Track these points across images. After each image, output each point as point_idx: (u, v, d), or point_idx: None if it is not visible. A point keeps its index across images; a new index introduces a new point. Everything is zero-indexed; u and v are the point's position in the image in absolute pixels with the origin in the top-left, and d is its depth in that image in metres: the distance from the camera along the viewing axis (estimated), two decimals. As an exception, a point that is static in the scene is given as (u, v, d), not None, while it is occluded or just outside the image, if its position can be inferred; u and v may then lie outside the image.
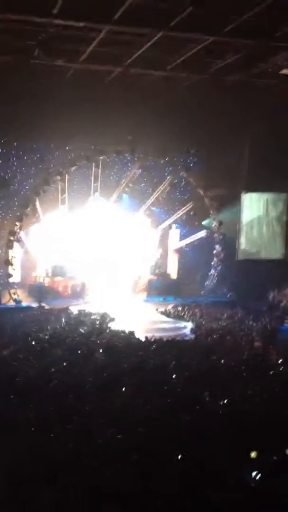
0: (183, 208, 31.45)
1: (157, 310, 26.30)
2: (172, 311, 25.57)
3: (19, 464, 8.11)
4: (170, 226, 32.73)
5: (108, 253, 29.23)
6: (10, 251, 26.65)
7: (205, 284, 30.12)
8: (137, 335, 19.33)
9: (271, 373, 14.18)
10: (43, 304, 25.75)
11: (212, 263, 29.75)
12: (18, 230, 26.81)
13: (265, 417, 10.55)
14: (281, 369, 14.74)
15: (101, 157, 28.09)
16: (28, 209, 27.02)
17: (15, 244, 27.03)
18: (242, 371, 14.14)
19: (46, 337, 17.52)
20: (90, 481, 7.70)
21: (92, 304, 26.12)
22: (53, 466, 8.19)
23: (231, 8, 17.09)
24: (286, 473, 8.40)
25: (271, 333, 20.29)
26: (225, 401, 11.45)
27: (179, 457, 8.53)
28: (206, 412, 10.72)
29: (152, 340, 18.21)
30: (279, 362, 15.64)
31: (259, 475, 8.18)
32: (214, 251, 29.65)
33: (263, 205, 30.34)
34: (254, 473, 8.20)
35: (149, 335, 19.63)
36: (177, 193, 32.71)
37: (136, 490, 7.64)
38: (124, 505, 7.28)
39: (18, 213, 26.89)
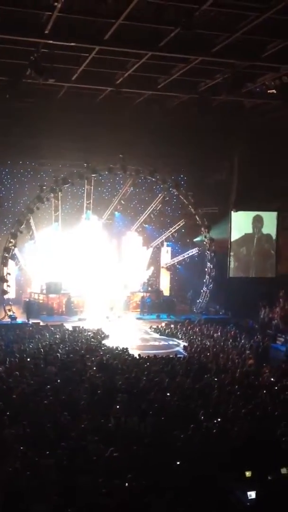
0: (175, 226, 31.61)
1: (150, 327, 26.27)
2: (165, 329, 25.54)
3: (14, 481, 8.06)
4: (161, 244, 32.86)
5: (101, 270, 29.23)
6: (4, 268, 26.65)
7: (198, 301, 30.15)
8: (131, 352, 19.32)
9: (264, 391, 14.18)
10: (38, 321, 25.69)
11: (204, 281, 29.81)
12: (13, 247, 26.82)
13: (259, 435, 10.54)
14: (274, 387, 14.75)
15: (94, 175, 28.23)
16: (22, 226, 27.05)
17: (10, 261, 27.01)
18: (235, 389, 14.13)
19: (41, 354, 17.47)
20: (85, 498, 7.67)
21: (86, 321, 26.06)
22: (47, 483, 8.16)
23: (218, 29, 17.37)
24: (281, 492, 8.39)
25: (264, 351, 20.32)
26: (219, 420, 11.46)
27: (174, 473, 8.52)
28: (200, 430, 10.70)
29: (146, 357, 18.18)
30: (272, 380, 15.66)
31: (254, 494, 8.17)
32: (206, 269, 29.72)
33: (252, 223, 30.54)
34: (249, 493, 8.19)
35: (143, 352, 19.62)
36: (169, 211, 32.93)
37: (132, 507, 7.62)
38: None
39: (13, 230, 26.92)
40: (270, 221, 30.54)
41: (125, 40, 17.78)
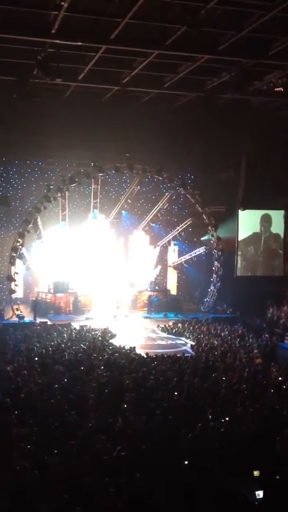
0: (182, 225, 31.58)
1: (158, 326, 26.28)
2: (172, 328, 25.53)
3: (22, 479, 8.09)
4: (169, 243, 32.84)
5: (108, 269, 29.27)
6: (12, 267, 26.73)
7: (205, 300, 30.11)
8: (138, 351, 19.33)
9: (271, 390, 14.14)
10: (45, 320, 25.77)
11: (212, 280, 29.77)
12: (20, 247, 26.90)
13: (266, 434, 10.52)
14: (282, 386, 14.70)
15: (100, 174, 28.25)
16: (30, 225, 27.12)
17: (17, 261, 27.09)
18: (243, 388, 14.10)
19: (49, 353, 17.52)
20: (91, 497, 7.68)
21: (93, 320, 26.11)
22: (54, 482, 8.18)
23: (225, 27, 17.35)
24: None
25: (271, 350, 20.27)
26: (226, 419, 11.43)
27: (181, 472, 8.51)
28: (208, 429, 10.68)
29: (153, 356, 18.19)
30: (280, 379, 15.62)
31: (262, 494, 8.15)
32: (213, 268, 29.68)
33: (260, 222, 30.43)
34: (257, 492, 8.17)
35: (150, 351, 19.62)
36: (176, 210, 32.92)
37: (138, 507, 7.62)
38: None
39: (20, 230, 27.00)
40: (278, 220, 30.41)
41: (132, 39, 17.80)
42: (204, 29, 16.79)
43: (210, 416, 11.50)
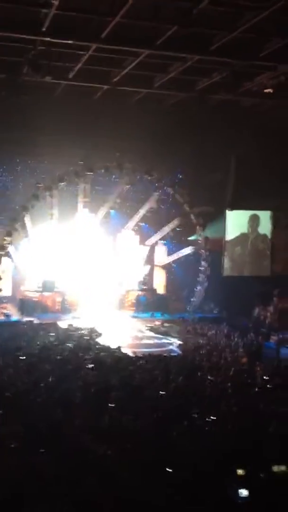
0: (170, 224, 31.62)
1: (145, 326, 26.29)
2: (159, 327, 25.56)
3: (10, 480, 8.08)
4: (157, 242, 32.86)
5: (96, 268, 29.24)
6: (-1, 265, 26.65)
7: (192, 300, 30.17)
8: (124, 351, 19.35)
9: (256, 389, 14.24)
10: (32, 319, 25.68)
11: (199, 279, 29.83)
12: (8, 245, 26.78)
13: (251, 433, 10.59)
14: (266, 385, 14.82)
15: (90, 173, 28.20)
16: (18, 224, 27.00)
17: (5, 259, 26.96)
18: (227, 387, 14.18)
19: (36, 351, 17.49)
20: (80, 496, 7.68)
21: (80, 319, 26.07)
22: (42, 481, 8.17)
23: (216, 27, 17.41)
24: (272, 490, 8.43)
25: (257, 350, 20.40)
26: (212, 417, 11.50)
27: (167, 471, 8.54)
28: (193, 428, 10.74)
29: (140, 355, 18.22)
30: (264, 378, 15.73)
31: (245, 492, 8.20)
32: (201, 267, 29.75)
33: (248, 222, 30.56)
34: (240, 490, 8.22)
35: (137, 350, 19.66)
36: (164, 210, 32.92)
37: (125, 505, 7.64)
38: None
39: (8, 228, 26.87)
40: (266, 221, 30.60)
41: (123, 38, 17.80)
42: (196, 29, 16.84)
43: (195, 415, 11.57)
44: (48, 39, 17.40)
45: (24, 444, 9.41)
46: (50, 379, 14.00)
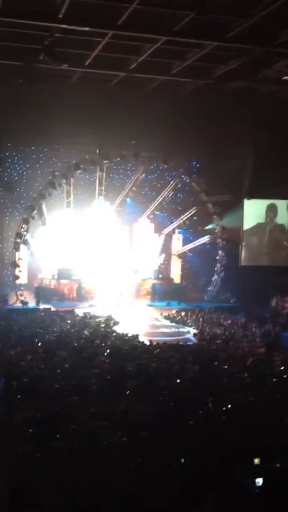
0: (186, 213, 31.50)
1: (161, 314, 26.32)
2: (175, 316, 25.57)
3: (24, 463, 8.16)
4: (173, 231, 32.79)
5: (112, 257, 29.28)
6: (16, 253, 26.77)
7: (208, 289, 30.10)
8: (141, 339, 19.38)
9: (273, 380, 14.17)
10: (49, 306, 25.85)
11: (215, 269, 29.73)
12: (25, 233, 26.93)
13: (267, 424, 10.55)
14: (283, 376, 14.73)
15: (106, 161, 28.15)
16: (34, 212, 27.10)
17: (22, 247, 27.11)
18: (244, 377, 14.12)
19: (52, 339, 17.60)
20: (93, 482, 7.73)
21: (97, 307, 26.17)
22: (58, 466, 8.24)
23: (233, 14, 17.19)
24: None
25: (274, 340, 20.29)
26: (228, 407, 11.47)
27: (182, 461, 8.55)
28: (209, 417, 10.73)
29: (156, 344, 18.23)
30: (282, 369, 15.64)
31: (262, 481, 8.19)
32: (217, 257, 29.63)
33: (265, 212, 30.29)
34: (257, 480, 8.21)
35: (153, 339, 19.68)
36: (181, 198, 32.81)
37: (138, 492, 7.67)
38: (124, 506, 7.32)
39: (25, 216, 27.01)
40: (284, 209, 30.29)
41: (139, 25, 17.68)
42: (213, 15, 16.64)
43: (211, 404, 11.55)
44: (64, 26, 17.34)
45: (40, 430, 9.48)
46: (66, 366, 14.08)
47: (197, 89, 25.43)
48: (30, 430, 9.33)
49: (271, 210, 30.22)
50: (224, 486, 8.01)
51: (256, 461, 8.79)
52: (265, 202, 30.11)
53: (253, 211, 30.10)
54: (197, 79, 24.08)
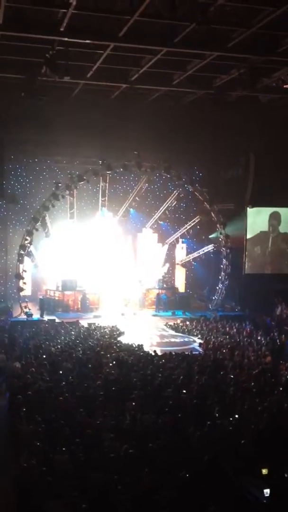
0: (190, 222, 31.52)
1: (166, 324, 26.27)
2: (181, 325, 25.50)
3: (29, 476, 8.12)
4: (177, 240, 32.80)
5: (116, 267, 29.28)
6: (20, 265, 26.79)
7: (213, 298, 30.05)
8: (146, 349, 19.33)
9: (280, 388, 14.10)
10: (53, 318, 25.83)
11: (220, 277, 29.71)
12: (28, 245, 26.95)
13: (275, 432, 10.49)
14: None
15: (108, 172, 28.24)
16: (38, 223, 27.15)
17: (26, 259, 27.14)
18: (251, 386, 14.06)
19: (57, 350, 17.57)
20: (99, 494, 7.69)
21: (101, 318, 26.14)
22: (62, 479, 8.20)
23: (233, 24, 17.29)
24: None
25: (280, 348, 20.20)
26: (235, 417, 11.42)
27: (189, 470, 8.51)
28: (216, 427, 10.68)
29: (161, 354, 18.18)
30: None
31: (270, 492, 8.13)
32: (222, 266, 29.60)
33: (269, 220, 30.22)
34: (265, 490, 8.15)
35: (158, 349, 19.62)
36: (184, 207, 32.86)
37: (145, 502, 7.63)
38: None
39: (28, 228, 27.06)
40: (287, 218, 30.19)
41: (140, 37, 17.76)
42: (213, 26, 16.72)
43: (218, 414, 11.50)
44: (66, 39, 17.44)
45: (46, 443, 9.45)
46: (71, 378, 14.05)
47: (198, 98, 25.54)
48: (37, 444, 9.29)
49: (274, 219, 30.13)
50: (230, 496, 7.97)
51: (264, 471, 8.74)
52: (268, 211, 30.05)
53: (256, 220, 30.05)
54: (198, 89, 24.16)
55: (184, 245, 32.88)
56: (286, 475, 8.68)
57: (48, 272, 29.42)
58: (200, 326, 24.73)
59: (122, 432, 10.26)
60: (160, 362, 16.61)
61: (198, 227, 31.59)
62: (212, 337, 22.14)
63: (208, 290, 31.59)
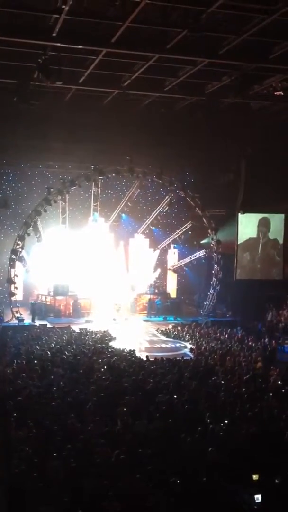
0: (182, 228, 31.59)
1: (157, 329, 26.27)
2: (172, 331, 25.51)
3: (20, 483, 8.07)
4: (168, 246, 32.85)
5: (108, 272, 29.27)
6: (12, 270, 26.71)
7: (205, 303, 30.10)
8: (137, 354, 19.31)
9: (270, 394, 14.13)
10: (45, 323, 25.76)
11: (211, 283, 29.76)
12: (20, 249, 26.89)
13: (265, 438, 10.50)
14: (281, 390, 14.69)
15: (101, 177, 28.26)
16: (30, 228, 27.10)
17: (17, 263, 27.06)
18: (242, 392, 14.08)
19: (48, 355, 17.51)
20: (91, 501, 7.66)
21: (93, 323, 26.09)
22: (53, 485, 8.16)
23: (225, 31, 17.38)
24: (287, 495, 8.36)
25: (271, 354, 20.26)
26: (225, 422, 11.42)
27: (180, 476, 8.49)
28: (207, 433, 10.67)
29: (153, 359, 18.17)
30: (279, 383, 15.60)
31: (260, 497, 8.14)
32: (213, 271, 29.68)
33: (258, 226, 30.34)
34: (255, 496, 8.16)
35: (150, 354, 19.62)
36: (176, 213, 32.93)
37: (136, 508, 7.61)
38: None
39: (20, 232, 27.00)
40: (278, 224, 30.33)
41: (132, 43, 17.79)
42: (205, 33, 16.79)
43: (209, 420, 11.50)
44: (58, 44, 17.45)
45: (37, 449, 9.40)
46: (62, 383, 14.00)
47: (190, 105, 25.62)
48: (27, 449, 9.24)
49: (263, 225, 30.23)
50: (222, 502, 7.97)
51: (255, 477, 8.75)
52: (259, 216, 30.18)
53: (246, 225, 30.16)
54: (190, 95, 24.24)
55: (176, 251, 32.96)
56: (276, 481, 8.68)
57: (39, 277, 29.38)
58: (191, 331, 24.77)
59: (113, 437, 10.22)
60: (152, 368, 16.61)
61: (189, 232, 31.69)
62: (203, 342, 22.17)
63: (200, 296, 31.64)
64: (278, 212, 30.11)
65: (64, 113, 25.31)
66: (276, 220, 30.23)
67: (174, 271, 32.98)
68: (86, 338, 22.02)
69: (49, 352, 18.03)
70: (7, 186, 29.98)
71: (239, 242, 30.02)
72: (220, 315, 29.47)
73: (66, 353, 18.04)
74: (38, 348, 19.09)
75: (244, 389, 14.38)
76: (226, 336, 23.18)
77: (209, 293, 29.88)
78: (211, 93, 23.16)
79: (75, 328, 24.45)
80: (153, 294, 30.88)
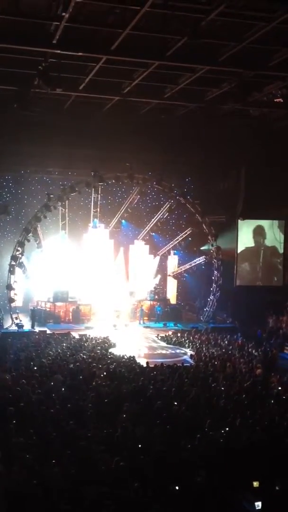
0: (182, 234, 31.61)
1: (157, 336, 26.24)
2: (172, 337, 25.48)
3: (20, 489, 8.05)
4: (168, 252, 32.86)
5: (108, 278, 29.26)
6: (12, 276, 26.70)
7: (205, 310, 30.08)
8: (137, 361, 19.28)
9: (271, 401, 14.10)
10: (44, 329, 25.73)
11: (211, 289, 29.75)
12: (20, 256, 26.89)
13: (266, 445, 10.47)
14: (281, 397, 14.66)
15: (101, 184, 28.30)
16: (30, 234, 27.12)
17: (17, 270, 27.06)
18: (242, 398, 14.05)
19: (48, 362, 17.47)
20: (90, 508, 7.63)
21: (93, 329, 26.06)
22: (53, 492, 8.13)
23: (225, 38, 17.46)
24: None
25: (271, 360, 20.22)
26: (226, 429, 11.39)
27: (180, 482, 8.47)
28: (207, 440, 10.64)
29: (153, 366, 18.14)
30: (279, 389, 15.57)
31: (261, 505, 8.11)
32: (213, 277, 29.68)
33: (259, 232, 30.40)
34: (256, 503, 8.13)
35: (150, 360, 19.58)
36: (176, 219, 32.96)
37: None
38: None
39: (20, 239, 27.02)
40: (278, 230, 30.39)
41: (132, 50, 17.90)
42: (205, 40, 16.88)
43: (209, 427, 11.46)
44: (58, 51, 17.54)
45: (36, 456, 9.37)
46: (63, 390, 13.97)
47: (190, 112, 25.72)
48: (27, 456, 9.21)
49: (259, 234, 30.29)
50: (222, 509, 7.94)
51: (255, 483, 8.72)
52: (259, 222, 30.28)
53: (248, 231, 30.26)
54: (189, 102, 24.33)
55: (176, 257, 32.96)
56: (277, 488, 8.65)
57: (39, 283, 29.36)
58: (191, 337, 24.73)
59: (113, 444, 10.19)
60: (152, 374, 16.56)
61: (189, 238, 31.71)
62: (203, 349, 22.15)
63: (200, 302, 31.63)
64: (278, 218, 30.18)
65: (64, 119, 25.43)
66: (273, 226, 30.29)
67: (174, 277, 32.98)
68: (86, 344, 21.99)
69: (49, 359, 17.99)
70: (7, 192, 30.03)
71: (244, 247, 30.12)
72: (220, 321, 29.46)
73: (66, 360, 17.99)
74: (37, 354, 19.04)
75: (244, 395, 14.35)
76: (227, 342, 23.15)
77: (209, 299, 29.88)
78: (211, 100, 23.27)
79: (75, 334, 24.42)
80: (153, 301, 30.89)
